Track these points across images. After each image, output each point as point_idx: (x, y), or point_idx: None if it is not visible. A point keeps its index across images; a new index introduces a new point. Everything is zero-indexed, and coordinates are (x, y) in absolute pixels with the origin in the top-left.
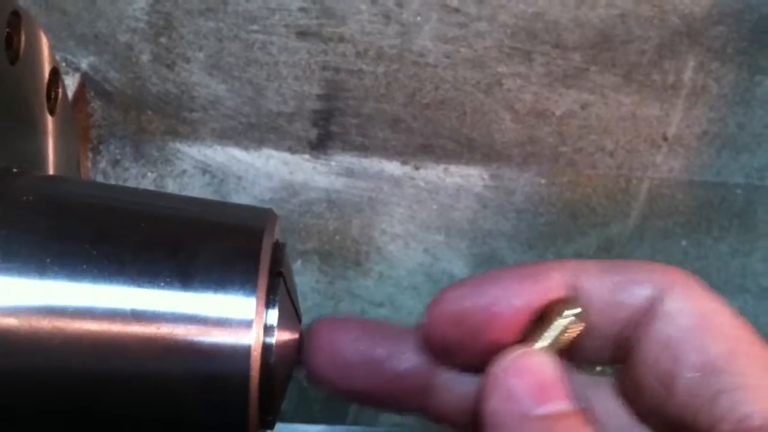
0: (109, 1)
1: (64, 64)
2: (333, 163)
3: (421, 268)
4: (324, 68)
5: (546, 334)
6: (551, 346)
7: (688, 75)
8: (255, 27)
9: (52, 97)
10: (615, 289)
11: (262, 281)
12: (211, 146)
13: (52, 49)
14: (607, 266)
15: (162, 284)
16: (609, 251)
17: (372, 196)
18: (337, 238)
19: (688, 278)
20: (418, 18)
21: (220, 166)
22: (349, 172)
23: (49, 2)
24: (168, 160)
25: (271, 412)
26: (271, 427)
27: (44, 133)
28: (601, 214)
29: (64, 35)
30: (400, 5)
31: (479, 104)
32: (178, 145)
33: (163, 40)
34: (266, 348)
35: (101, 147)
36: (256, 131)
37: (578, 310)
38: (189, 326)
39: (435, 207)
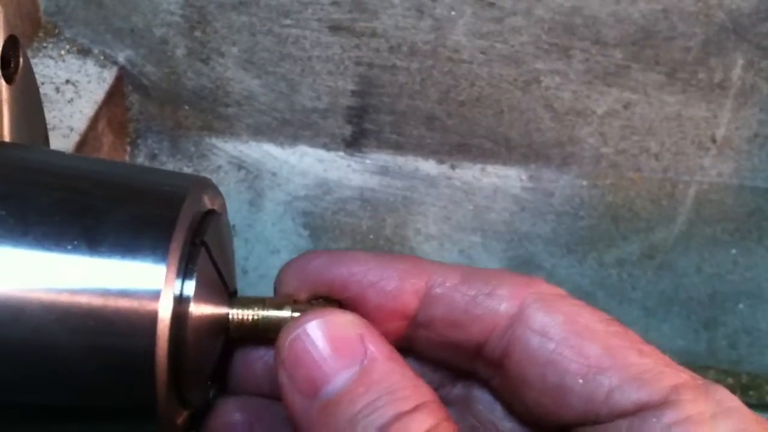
0: None
1: (102, 58)
2: (368, 161)
3: None
4: (357, 63)
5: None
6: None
7: (736, 73)
8: (288, 21)
9: (12, 66)
10: (471, 302)
11: (176, 249)
12: (247, 142)
13: (93, 43)
14: (467, 276)
15: (68, 247)
16: (653, 258)
17: (407, 196)
18: (371, 237)
19: (543, 288)
20: (452, 12)
21: (255, 162)
22: (384, 171)
23: None
24: (204, 155)
25: (190, 391)
26: (194, 408)
27: None
28: (645, 219)
29: (102, 29)
30: None
31: (516, 102)
32: (213, 141)
33: (197, 34)
34: (177, 319)
35: (139, 141)
36: (290, 127)
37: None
38: (92, 294)
39: (471, 207)
